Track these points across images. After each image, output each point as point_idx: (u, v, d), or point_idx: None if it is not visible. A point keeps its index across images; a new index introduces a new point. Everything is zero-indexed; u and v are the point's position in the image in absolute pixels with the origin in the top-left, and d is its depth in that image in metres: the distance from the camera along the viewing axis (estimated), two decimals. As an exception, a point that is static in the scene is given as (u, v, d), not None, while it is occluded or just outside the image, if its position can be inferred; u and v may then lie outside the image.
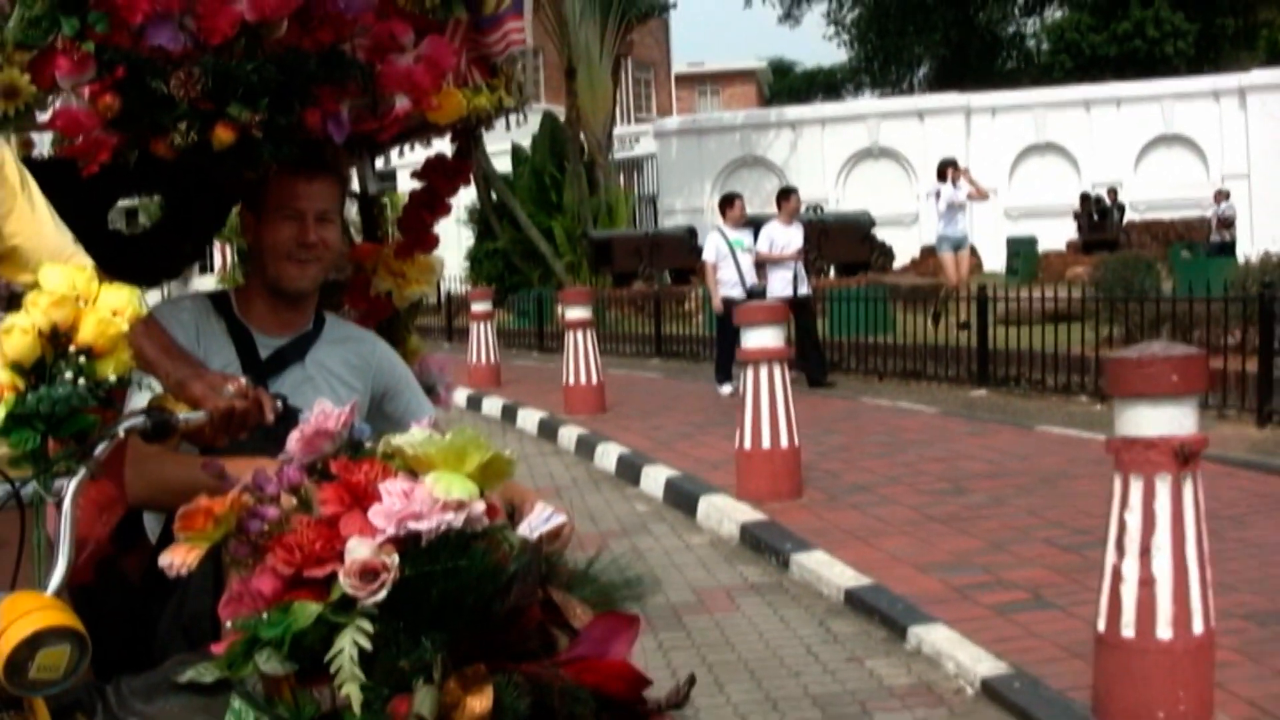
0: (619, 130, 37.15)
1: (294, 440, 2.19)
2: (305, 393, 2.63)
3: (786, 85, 63.22)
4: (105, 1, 2.29)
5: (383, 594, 1.93)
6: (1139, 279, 12.04)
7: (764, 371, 7.87)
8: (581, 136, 27.80)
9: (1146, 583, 4.24)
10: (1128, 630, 4.28)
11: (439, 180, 3.30)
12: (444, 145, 3.26)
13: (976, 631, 5.31)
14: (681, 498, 8.34)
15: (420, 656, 1.91)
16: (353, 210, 3.35)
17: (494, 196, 28.04)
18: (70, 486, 2.08)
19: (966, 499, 7.70)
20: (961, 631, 5.31)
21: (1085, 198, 27.50)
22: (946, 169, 18.41)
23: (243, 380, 2.38)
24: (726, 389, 12.97)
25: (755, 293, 12.99)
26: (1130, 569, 4.26)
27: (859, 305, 14.92)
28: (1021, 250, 26.65)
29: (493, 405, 13.69)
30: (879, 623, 5.70)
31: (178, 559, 2.07)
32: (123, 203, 3.70)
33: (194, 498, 2.15)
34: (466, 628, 1.95)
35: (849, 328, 14.83)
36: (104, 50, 2.32)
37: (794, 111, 37.45)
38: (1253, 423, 9.59)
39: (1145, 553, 4.23)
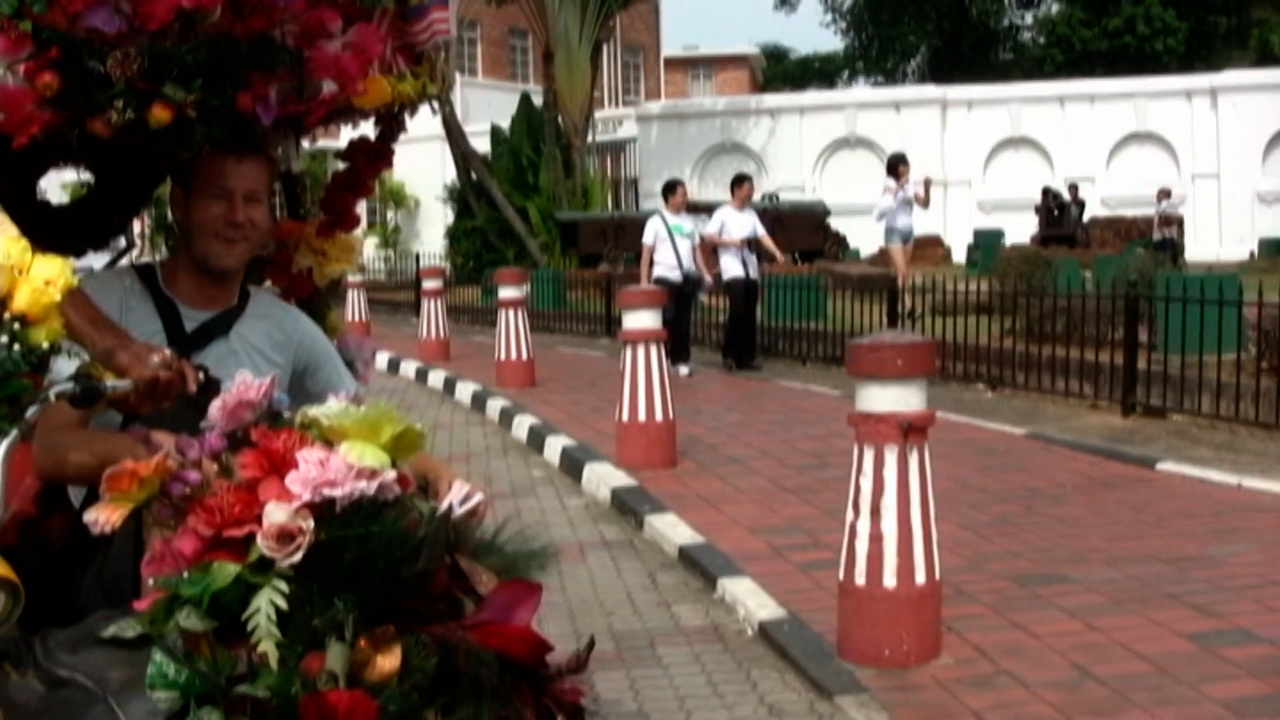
0: (604, 113, 37.77)
1: (216, 409, 2.28)
2: (228, 365, 2.68)
3: (780, 71, 63.69)
4: None
5: (298, 556, 2.01)
6: (1038, 276, 12.69)
7: (641, 351, 8.58)
8: (560, 119, 28.41)
9: (876, 538, 4.93)
10: (860, 579, 4.97)
11: (362, 162, 3.39)
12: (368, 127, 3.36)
13: (774, 583, 5.98)
14: (571, 465, 9.04)
15: (333, 616, 1.99)
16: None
17: (473, 176, 28.68)
18: (2, 447, 2.17)
19: (823, 473, 8.38)
20: (761, 584, 5.99)
21: (1046, 193, 28.08)
22: (898, 165, 18.57)
23: (167, 351, 2.47)
24: (684, 370, 13.55)
25: (691, 277, 13.67)
26: (863, 526, 4.96)
27: (794, 292, 15.57)
28: (984, 243, 27.27)
29: (437, 378, 14.38)
30: (698, 575, 6.39)
31: (102, 517, 2.17)
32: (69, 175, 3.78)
33: (90, 478, 2.33)
34: (377, 590, 2.04)
35: (783, 313, 15.49)
36: (40, 30, 2.39)
37: (773, 99, 38.11)
38: (1119, 413, 10.27)
39: (875, 512, 4.93)
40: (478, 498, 2.35)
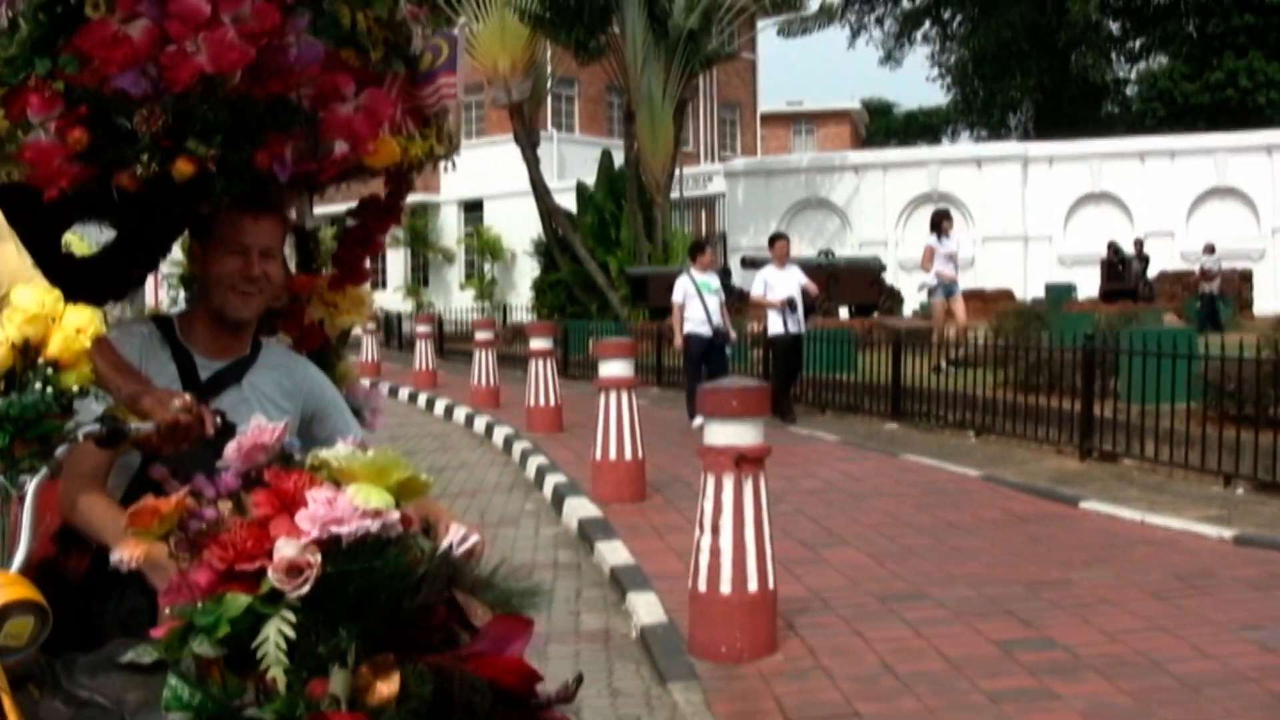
0: (695, 169, 38.86)
1: (232, 451, 2.40)
2: (240, 412, 2.78)
3: (884, 125, 64.44)
4: (79, 49, 2.55)
5: (306, 588, 2.13)
6: (1029, 330, 13.42)
7: (614, 396, 9.56)
8: (643, 176, 29.51)
9: (714, 552, 5.84)
10: (703, 586, 5.88)
11: (372, 219, 3.54)
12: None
13: (672, 597, 6.85)
14: (558, 500, 10.02)
15: (337, 645, 2.12)
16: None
17: (558, 231, 29.91)
18: (33, 482, 2.33)
19: (774, 509, 9.24)
20: (662, 596, 6.88)
21: (1111, 247, 28.45)
22: (941, 221, 18.82)
23: (188, 396, 2.60)
24: (698, 421, 14.39)
25: (720, 332, 14.44)
26: (705, 542, 5.88)
27: (824, 345, 16.38)
28: (1054, 298, 27.78)
29: (480, 423, 15.47)
30: (617, 590, 7.31)
31: (127, 554, 2.36)
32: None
33: (98, 535, 2.58)
34: (379, 621, 2.17)
35: (814, 365, 16.29)
36: (73, 90, 2.58)
37: (858, 156, 38.86)
38: (1077, 457, 10.98)
39: (714, 530, 5.84)
40: (474, 539, 2.44)
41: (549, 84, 34.60)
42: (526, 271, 38.09)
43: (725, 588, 5.82)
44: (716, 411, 5.86)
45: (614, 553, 8.01)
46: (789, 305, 14.44)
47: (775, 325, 14.61)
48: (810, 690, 5.43)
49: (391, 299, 41.40)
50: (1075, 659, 5.69)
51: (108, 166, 2.66)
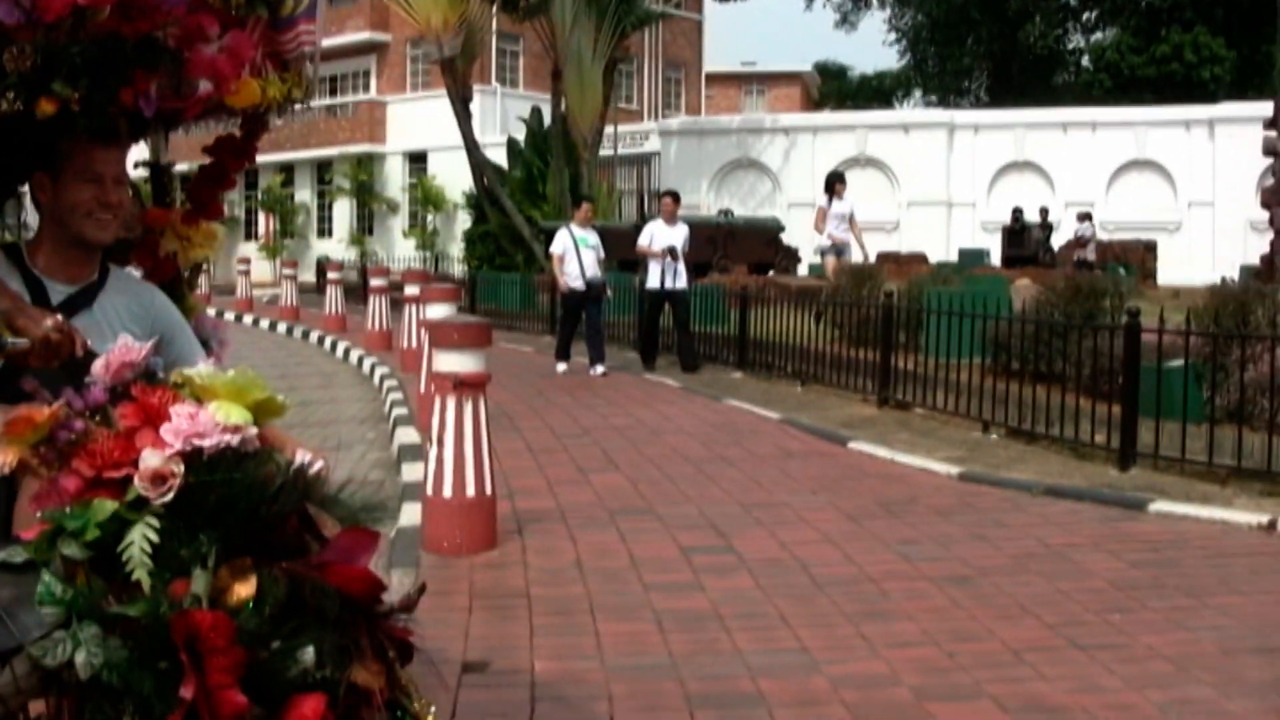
0: (633, 127, 39.68)
1: (100, 367, 2.51)
2: (93, 335, 2.89)
3: (836, 89, 65.22)
4: None
5: (170, 496, 2.26)
6: (865, 289, 14.51)
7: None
8: (571, 133, 30.32)
9: (439, 461, 6.86)
10: (430, 491, 6.91)
11: (227, 157, 3.66)
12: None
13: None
14: (395, 429, 11.04)
15: (198, 549, 2.24)
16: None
17: (487, 185, 30.77)
18: None
19: (576, 440, 10.30)
20: (428, 507, 7.90)
21: (1014, 214, 29.45)
22: (834, 184, 19.53)
23: (59, 317, 2.77)
24: (561, 367, 15.43)
25: (594, 284, 15.42)
26: (432, 453, 6.89)
27: (699, 300, 17.32)
28: (965, 262, 28.83)
29: (368, 364, 16.52)
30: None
31: (1, 459, 2.44)
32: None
33: None
34: (237, 528, 2.30)
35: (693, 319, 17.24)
36: None
37: (788, 118, 39.84)
38: (875, 405, 12.06)
39: (439, 442, 6.86)
40: (320, 464, 2.57)
41: (486, 40, 35.32)
42: (466, 222, 38.97)
43: (447, 492, 6.85)
44: (441, 343, 6.86)
45: (413, 472, 8.99)
46: (670, 254, 15.25)
47: (653, 279, 15.57)
48: (503, 578, 6.46)
49: (335, 247, 42.27)
50: (739, 562, 6.71)
51: None
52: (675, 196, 16.33)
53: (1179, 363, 9.00)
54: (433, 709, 2.54)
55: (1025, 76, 58.86)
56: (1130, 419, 8.86)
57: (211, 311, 4.03)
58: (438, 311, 10.60)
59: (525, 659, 5.17)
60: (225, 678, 2.12)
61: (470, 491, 6.85)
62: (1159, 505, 7.83)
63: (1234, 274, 31.13)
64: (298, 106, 3.52)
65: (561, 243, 15.54)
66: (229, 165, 3.68)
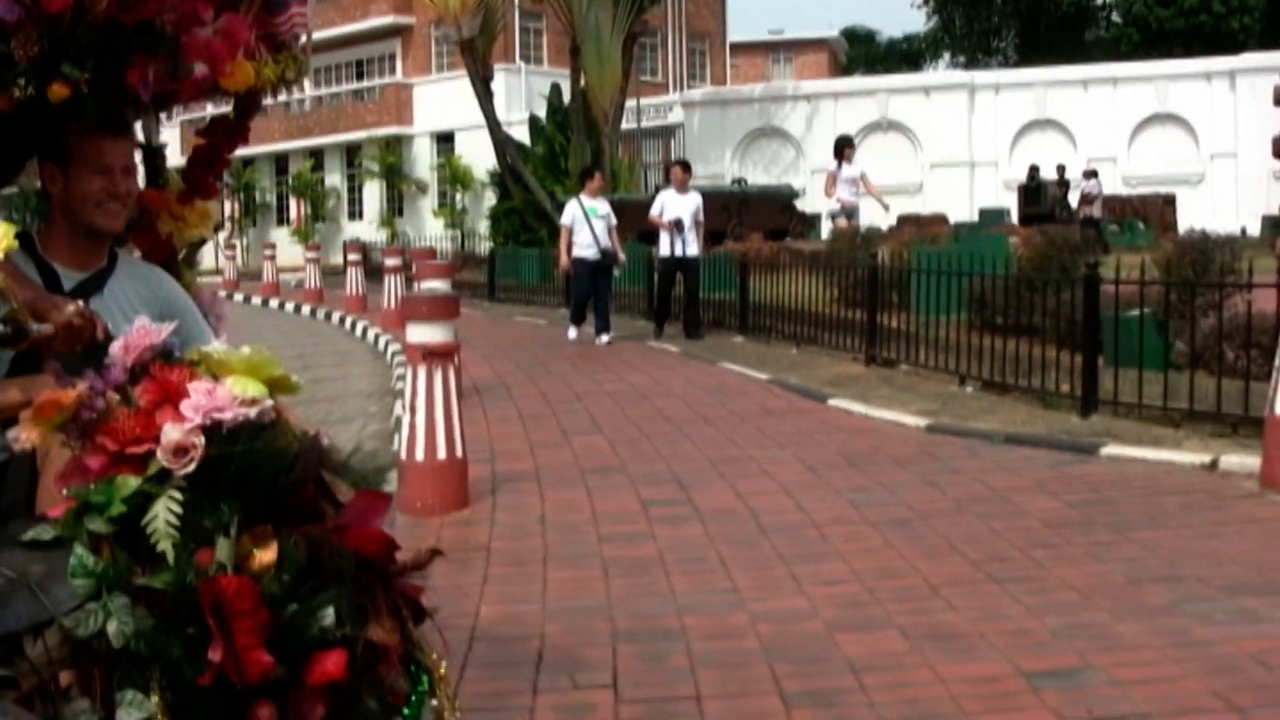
0: (656, 99, 39.98)
1: (119, 348, 2.57)
2: (104, 319, 2.95)
3: (864, 54, 65.25)
4: None
5: (191, 468, 2.34)
6: (858, 252, 14.82)
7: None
8: (591, 108, 30.67)
9: (412, 427, 7.29)
10: (403, 454, 7.34)
11: (220, 138, 3.71)
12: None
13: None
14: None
15: (220, 518, 2.32)
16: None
17: (510, 162, 31.20)
18: None
19: (566, 405, 10.72)
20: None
21: (1030, 172, 29.57)
22: (844, 148, 19.71)
23: (79, 303, 2.86)
24: (572, 333, 15.85)
25: (607, 253, 15.73)
26: (405, 419, 7.33)
27: (708, 267, 17.67)
28: (985, 221, 29.03)
29: (383, 341, 16.97)
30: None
31: (24, 435, 2.51)
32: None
33: (17, 411, 2.63)
34: (257, 497, 2.38)
35: (704, 286, 17.59)
36: None
37: (809, 85, 40.06)
38: (863, 363, 12.41)
39: (411, 409, 7.29)
40: (324, 440, 2.62)
41: (509, 19, 35.68)
42: (493, 200, 39.45)
43: (420, 455, 7.28)
44: (411, 316, 7.29)
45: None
46: (677, 226, 15.53)
47: (664, 248, 15.87)
48: (468, 534, 6.87)
49: (366, 229, 42.86)
50: (695, 513, 7.07)
51: None
52: (686, 166, 16.56)
53: (1137, 313, 9.29)
54: (444, 663, 2.65)
55: (1053, 34, 58.67)
56: (1091, 367, 9.16)
57: (237, 296, 4.12)
58: (433, 288, 11.05)
59: (473, 605, 5.55)
60: (251, 639, 2.22)
61: (441, 454, 7.28)
62: (1110, 449, 8.13)
63: (1256, 224, 31.26)
64: (295, 91, 3.63)
65: (571, 213, 15.79)
66: (222, 146, 3.75)
